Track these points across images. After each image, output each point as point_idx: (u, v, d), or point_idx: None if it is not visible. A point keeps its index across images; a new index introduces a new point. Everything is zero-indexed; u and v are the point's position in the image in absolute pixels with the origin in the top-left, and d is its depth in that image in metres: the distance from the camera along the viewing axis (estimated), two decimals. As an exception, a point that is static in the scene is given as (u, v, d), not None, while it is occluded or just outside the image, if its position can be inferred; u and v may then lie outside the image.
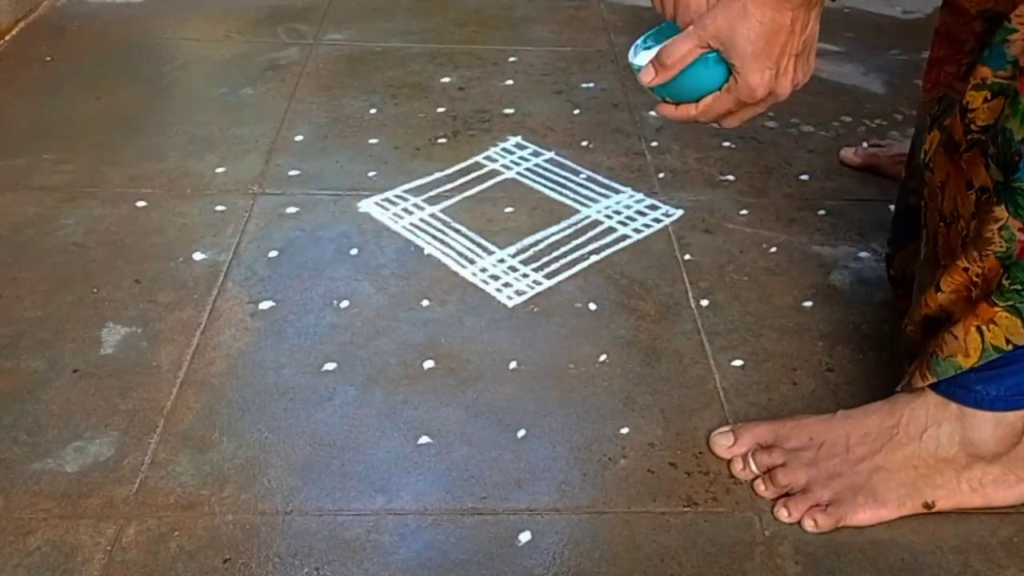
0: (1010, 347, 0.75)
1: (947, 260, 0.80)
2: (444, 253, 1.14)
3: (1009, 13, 0.70)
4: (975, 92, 0.73)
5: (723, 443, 0.88)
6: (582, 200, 1.24)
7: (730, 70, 0.80)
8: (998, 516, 0.83)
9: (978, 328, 0.76)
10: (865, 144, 1.35)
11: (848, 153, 1.34)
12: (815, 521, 0.80)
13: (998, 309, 0.74)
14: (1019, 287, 0.73)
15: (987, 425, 0.80)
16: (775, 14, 0.74)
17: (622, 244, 1.16)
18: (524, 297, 1.07)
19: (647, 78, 0.82)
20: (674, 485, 0.85)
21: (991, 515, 0.83)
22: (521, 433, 0.90)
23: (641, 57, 0.87)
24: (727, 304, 1.07)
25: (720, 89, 0.81)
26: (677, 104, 0.85)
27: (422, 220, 1.20)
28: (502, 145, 1.37)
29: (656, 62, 0.81)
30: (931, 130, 0.82)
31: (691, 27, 0.79)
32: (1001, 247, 0.73)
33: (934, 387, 0.82)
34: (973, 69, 0.76)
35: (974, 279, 0.76)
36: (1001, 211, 0.71)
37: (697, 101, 0.83)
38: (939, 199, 0.80)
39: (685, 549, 0.79)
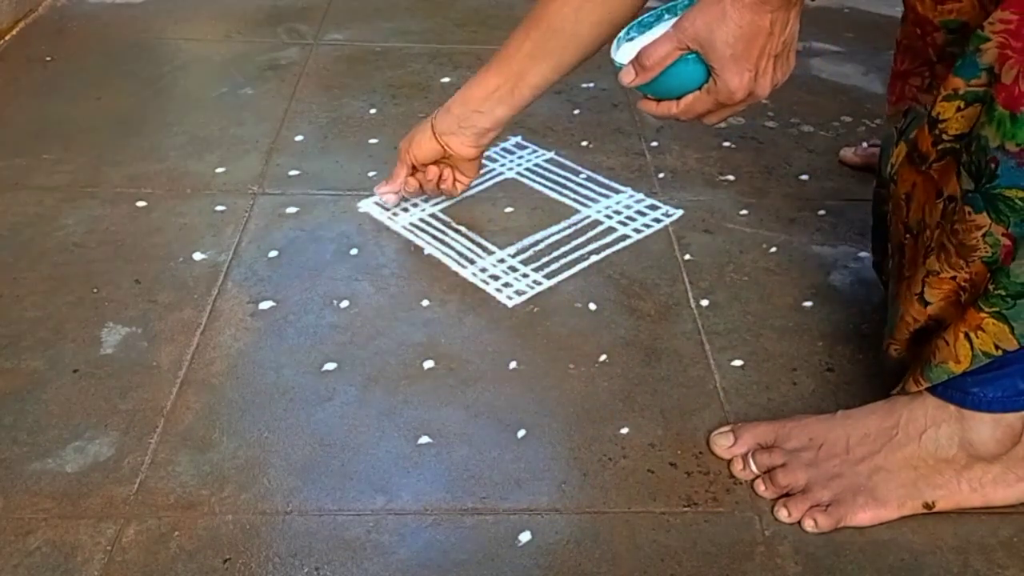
0: (1000, 352, 0.75)
1: (911, 272, 0.79)
2: (444, 253, 1.14)
3: (978, 23, 0.70)
4: (946, 103, 0.73)
5: (723, 443, 0.87)
6: (582, 200, 1.24)
7: (710, 70, 0.80)
8: (998, 516, 0.83)
9: (966, 335, 0.76)
10: (865, 144, 1.35)
11: (848, 153, 1.34)
12: (815, 521, 0.80)
13: (984, 315, 0.74)
14: (1003, 292, 0.73)
15: (986, 426, 0.80)
16: (754, 16, 0.75)
17: (622, 244, 1.17)
18: (524, 297, 1.07)
19: (627, 79, 0.84)
20: (674, 485, 0.85)
21: (991, 515, 0.83)
22: (521, 433, 0.90)
23: (623, 52, 0.87)
24: (727, 304, 1.07)
25: (701, 88, 0.82)
26: (659, 101, 0.86)
27: (422, 220, 1.20)
28: (502, 145, 1.37)
29: (636, 63, 0.82)
30: (898, 143, 0.81)
31: (671, 28, 0.80)
32: (987, 252, 0.72)
33: (931, 389, 0.82)
34: (937, 80, 0.76)
35: (962, 284, 0.76)
36: (983, 218, 0.71)
37: (678, 99, 0.84)
38: (904, 211, 0.80)
39: (685, 549, 0.79)
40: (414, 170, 1.17)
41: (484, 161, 1.32)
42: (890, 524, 0.82)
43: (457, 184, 1.18)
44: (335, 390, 0.94)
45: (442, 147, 1.12)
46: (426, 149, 1.13)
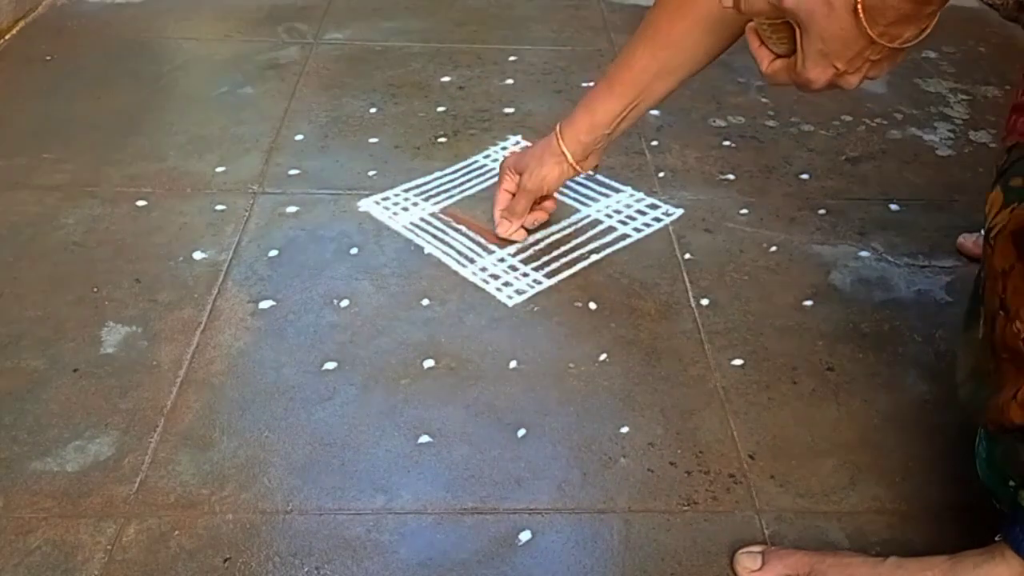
0: None
1: (1006, 354, 0.67)
2: (444, 252, 1.14)
3: None
4: None
5: (748, 565, 0.77)
6: (582, 199, 1.24)
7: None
8: (998, 516, 0.83)
9: None
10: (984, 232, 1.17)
11: (967, 242, 1.16)
12: None
13: None
14: None
15: None
16: (859, 26, 0.63)
17: (622, 243, 1.16)
18: (524, 296, 1.07)
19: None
20: (674, 484, 0.85)
21: (991, 515, 0.82)
22: (521, 432, 0.90)
23: None
24: (727, 303, 1.07)
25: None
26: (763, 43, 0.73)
27: (422, 219, 1.20)
28: (502, 144, 1.37)
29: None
30: (994, 187, 0.69)
31: None
32: None
33: (1018, 547, 0.69)
34: None
35: None
36: None
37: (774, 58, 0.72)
38: (1000, 285, 0.67)
39: (685, 548, 0.79)
40: (535, 201, 1.14)
41: (483, 161, 1.33)
42: (890, 523, 0.82)
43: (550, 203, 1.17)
44: (335, 389, 0.94)
45: (574, 173, 1.10)
46: (555, 179, 1.10)
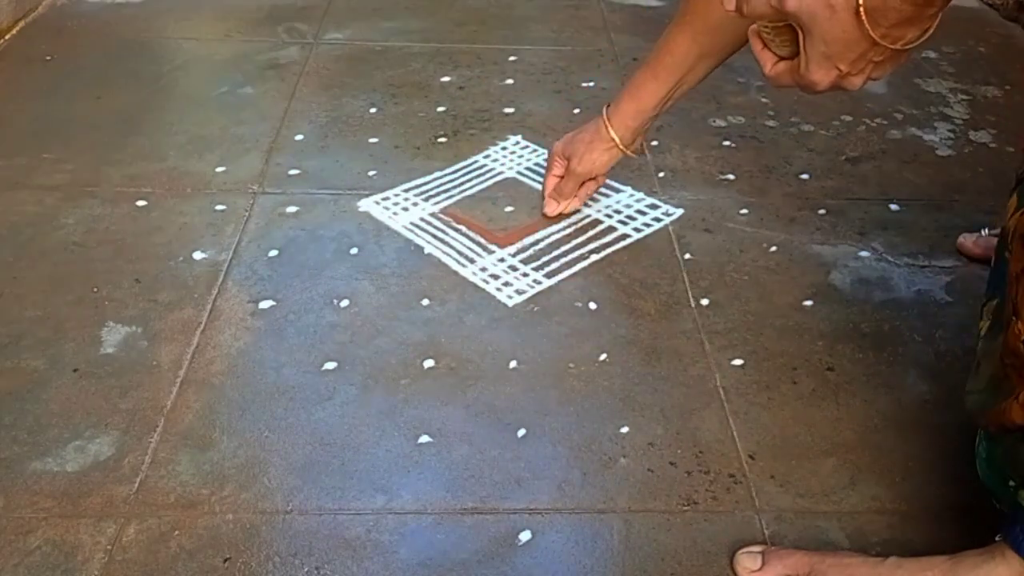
0: None
1: (1009, 359, 0.67)
2: (444, 252, 1.14)
3: None
4: None
5: (748, 565, 0.77)
6: (582, 199, 1.24)
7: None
8: (998, 516, 0.83)
9: None
10: (985, 231, 1.18)
11: (967, 242, 1.17)
12: None
13: None
14: None
15: None
16: (862, 27, 0.63)
17: (622, 243, 1.16)
18: (524, 296, 1.07)
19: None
20: (674, 484, 0.85)
21: (991, 515, 0.82)
22: (521, 432, 0.90)
23: None
24: (727, 303, 1.07)
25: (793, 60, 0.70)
26: (765, 47, 0.72)
27: (422, 219, 1.20)
28: (502, 144, 1.37)
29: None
30: (1012, 194, 0.69)
31: None
32: None
33: (1018, 547, 0.69)
34: None
35: None
36: None
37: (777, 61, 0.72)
38: (1014, 289, 0.67)
39: (685, 548, 0.79)
40: (581, 183, 1.19)
41: (483, 161, 1.33)
42: (890, 523, 0.82)
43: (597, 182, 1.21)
44: (335, 389, 0.94)
45: (621, 157, 1.14)
46: (604, 163, 1.14)
